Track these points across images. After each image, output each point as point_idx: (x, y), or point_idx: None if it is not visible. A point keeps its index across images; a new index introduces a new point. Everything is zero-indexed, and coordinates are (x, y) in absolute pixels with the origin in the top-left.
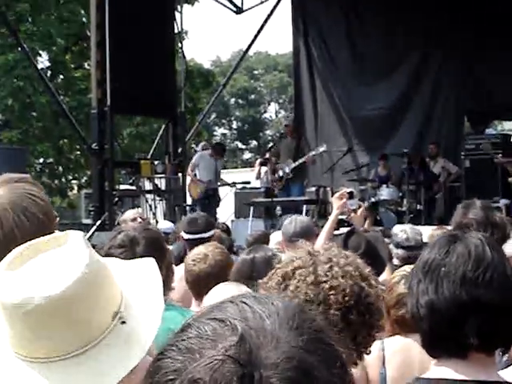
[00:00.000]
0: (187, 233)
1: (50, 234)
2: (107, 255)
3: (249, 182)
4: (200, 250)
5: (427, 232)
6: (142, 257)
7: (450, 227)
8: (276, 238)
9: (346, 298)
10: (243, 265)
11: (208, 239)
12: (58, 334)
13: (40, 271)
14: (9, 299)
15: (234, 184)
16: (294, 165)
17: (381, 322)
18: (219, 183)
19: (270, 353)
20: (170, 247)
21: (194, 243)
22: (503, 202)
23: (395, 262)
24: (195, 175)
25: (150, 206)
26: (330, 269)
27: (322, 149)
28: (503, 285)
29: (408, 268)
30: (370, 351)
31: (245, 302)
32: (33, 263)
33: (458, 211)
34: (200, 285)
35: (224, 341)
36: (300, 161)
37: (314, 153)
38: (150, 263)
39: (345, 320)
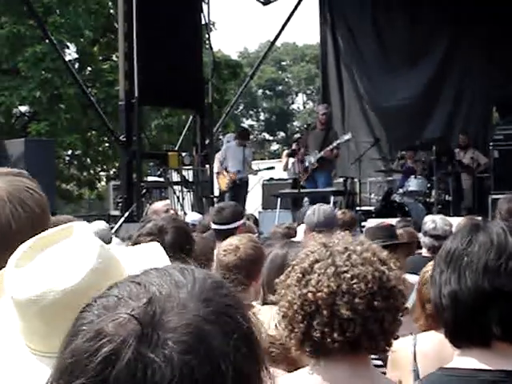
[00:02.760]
0: (214, 223)
1: (45, 228)
2: (136, 243)
3: (273, 168)
4: (233, 240)
5: (457, 223)
6: (170, 246)
7: (479, 217)
8: (301, 229)
9: (369, 285)
10: (276, 259)
11: (234, 230)
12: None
13: (51, 265)
14: (23, 295)
15: (257, 171)
16: (319, 155)
17: (404, 305)
18: (248, 172)
19: (173, 318)
20: (204, 235)
21: (220, 233)
22: None
23: (424, 251)
24: (224, 167)
25: (178, 197)
26: (348, 257)
27: (346, 137)
28: None
29: None
30: (398, 336)
31: (167, 271)
32: (42, 257)
33: (508, 197)
34: (228, 276)
35: (136, 301)
36: (325, 149)
37: (338, 141)
38: (155, 247)
39: (370, 307)
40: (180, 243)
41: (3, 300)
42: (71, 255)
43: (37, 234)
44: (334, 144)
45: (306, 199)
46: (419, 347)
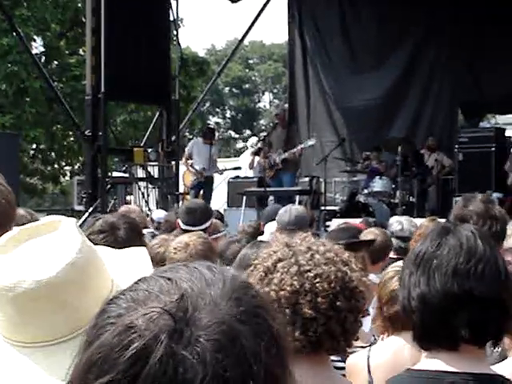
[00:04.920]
0: (185, 223)
1: (9, 220)
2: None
3: (239, 168)
4: (183, 238)
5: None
6: (123, 241)
7: (443, 220)
8: (271, 227)
9: (332, 285)
10: (245, 259)
11: (204, 230)
12: (47, 319)
13: (32, 255)
14: None
15: (223, 171)
16: (283, 156)
17: (365, 306)
18: (214, 170)
19: (205, 316)
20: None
21: None
22: (496, 195)
23: (390, 253)
24: (191, 164)
25: (143, 193)
26: (311, 257)
27: (310, 142)
28: (495, 278)
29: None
30: (358, 337)
31: (197, 268)
32: (25, 247)
33: (458, 203)
34: None
35: (167, 297)
36: (289, 152)
37: (302, 146)
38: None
39: (333, 307)
40: (132, 239)
41: None
42: (52, 248)
43: (1, 224)
44: (298, 148)
45: (271, 198)
46: (373, 359)
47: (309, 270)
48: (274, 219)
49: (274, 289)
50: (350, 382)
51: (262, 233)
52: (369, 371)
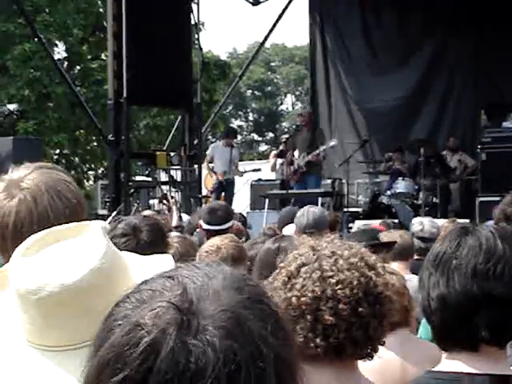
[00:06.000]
0: (207, 223)
1: (80, 220)
2: None
3: (259, 169)
4: (215, 241)
5: (440, 225)
6: (145, 244)
7: (465, 220)
8: (289, 230)
9: (354, 291)
10: (268, 254)
11: (226, 230)
12: (70, 323)
13: (56, 259)
14: (23, 285)
15: (243, 173)
16: (307, 158)
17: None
18: (235, 173)
19: (210, 305)
20: (194, 237)
21: (212, 234)
22: None
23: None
24: (212, 167)
25: None
26: (335, 262)
27: (332, 143)
28: None
29: None
30: (384, 342)
31: (196, 265)
32: (50, 250)
33: (506, 198)
34: None
35: (170, 293)
36: (312, 154)
37: (324, 147)
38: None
39: (355, 313)
40: (156, 241)
41: (8, 291)
42: (77, 252)
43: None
44: (320, 149)
45: (293, 200)
46: (363, 364)
47: (331, 276)
48: (290, 222)
49: (295, 294)
50: None
51: None
52: None
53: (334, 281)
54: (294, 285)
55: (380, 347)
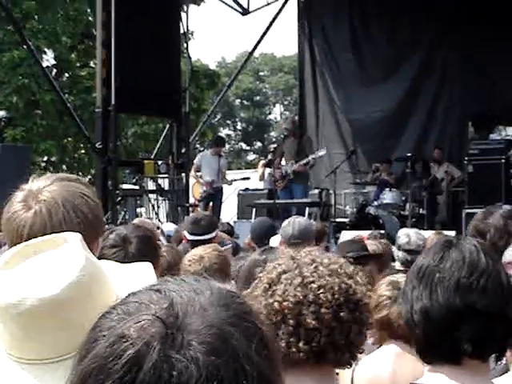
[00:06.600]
0: (190, 234)
1: (96, 235)
2: (100, 256)
3: (248, 178)
4: (198, 251)
5: (426, 237)
6: (135, 256)
7: (451, 232)
8: (275, 241)
9: (336, 296)
10: (254, 265)
11: (210, 240)
12: (51, 337)
13: (36, 272)
14: (3, 299)
15: (231, 181)
16: (294, 166)
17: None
18: (223, 182)
19: (195, 320)
20: (179, 247)
21: (196, 244)
22: (506, 207)
23: (397, 265)
24: (200, 176)
25: (153, 205)
26: (315, 269)
27: (321, 153)
28: (497, 291)
29: (399, 275)
30: (363, 350)
31: (184, 280)
32: (29, 263)
33: (478, 215)
34: None
35: (157, 306)
36: (300, 163)
37: (313, 156)
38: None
39: (336, 318)
40: (145, 252)
41: None
42: (57, 265)
43: (85, 238)
44: (309, 158)
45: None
46: (357, 372)
47: (312, 282)
48: (261, 234)
49: (277, 300)
50: None
51: None
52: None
53: (315, 286)
54: (275, 291)
55: (372, 358)
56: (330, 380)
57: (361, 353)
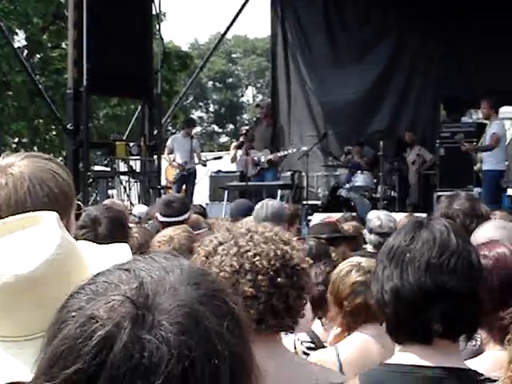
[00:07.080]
0: (162, 215)
1: (64, 212)
2: None
3: (221, 157)
4: (167, 232)
5: (398, 220)
6: (105, 237)
7: (423, 215)
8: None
9: (272, 262)
10: None
11: (182, 222)
12: (25, 314)
13: (11, 249)
14: None
15: (205, 161)
16: (270, 157)
17: (309, 284)
18: (196, 163)
19: (166, 300)
20: (146, 226)
21: (168, 226)
22: (477, 190)
23: (368, 247)
24: (174, 159)
25: (125, 187)
26: (250, 238)
27: (303, 148)
28: (468, 272)
29: (358, 259)
30: (304, 314)
31: (153, 258)
32: (5, 241)
33: (442, 202)
34: None
35: (126, 286)
36: (275, 154)
37: (294, 150)
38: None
39: (273, 284)
40: (114, 234)
41: None
42: (32, 243)
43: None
44: (288, 151)
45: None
46: (343, 356)
47: (248, 250)
48: (242, 214)
49: (214, 271)
50: (307, 362)
51: None
52: (340, 369)
53: (251, 254)
54: (212, 262)
55: (361, 334)
56: (275, 346)
57: (302, 317)
